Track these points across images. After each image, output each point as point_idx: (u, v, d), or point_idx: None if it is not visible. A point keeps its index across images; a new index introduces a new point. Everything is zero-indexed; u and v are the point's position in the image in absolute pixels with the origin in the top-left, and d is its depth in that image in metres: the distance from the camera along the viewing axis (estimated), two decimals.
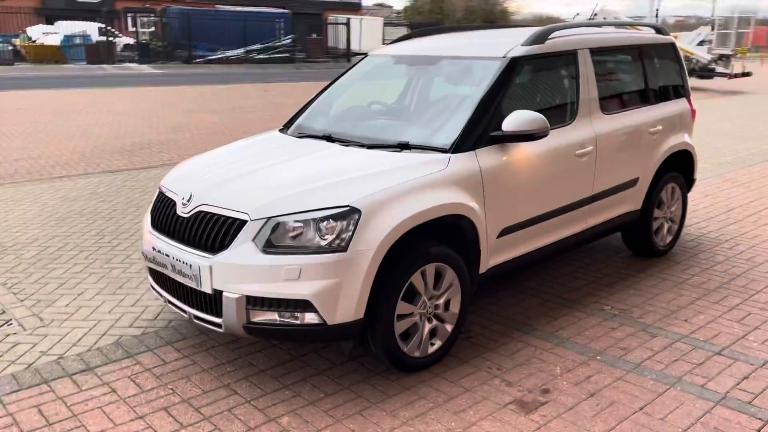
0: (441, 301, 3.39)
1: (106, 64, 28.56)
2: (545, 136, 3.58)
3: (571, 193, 4.08)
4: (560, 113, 4.08)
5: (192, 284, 3.16)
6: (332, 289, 2.95)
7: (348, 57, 35.67)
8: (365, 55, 4.82)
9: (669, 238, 5.10)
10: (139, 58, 30.07)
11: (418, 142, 3.56)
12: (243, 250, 3.02)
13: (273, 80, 23.27)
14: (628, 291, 4.41)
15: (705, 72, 19.45)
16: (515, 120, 3.51)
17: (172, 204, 3.44)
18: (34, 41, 29.21)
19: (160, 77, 24.33)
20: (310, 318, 2.99)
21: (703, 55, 19.65)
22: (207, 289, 3.09)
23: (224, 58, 30.83)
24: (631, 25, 5.44)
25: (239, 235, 3.04)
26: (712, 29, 21.15)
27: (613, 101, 4.49)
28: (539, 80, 4.15)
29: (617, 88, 4.71)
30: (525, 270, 4.41)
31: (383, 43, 41.02)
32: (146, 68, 28.07)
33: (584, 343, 3.67)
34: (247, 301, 3.01)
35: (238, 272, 3.00)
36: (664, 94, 4.94)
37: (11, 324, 3.88)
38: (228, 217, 3.11)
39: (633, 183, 4.58)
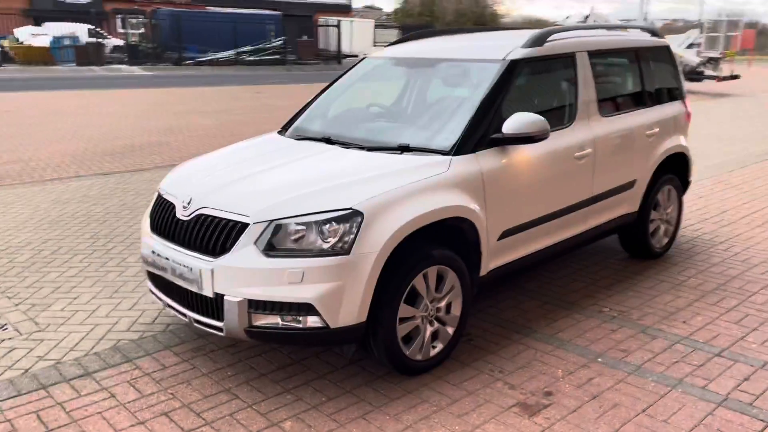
0: (442, 304, 3.38)
1: (95, 65, 28.36)
2: (545, 138, 3.58)
3: (571, 195, 4.09)
4: (559, 116, 4.09)
5: (193, 288, 3.13)
6: (335, 293, 2.93)
7: (339, 59, 35.65)
8: (364, 57, 4.81)
9: (665, 240, 5.12)
10: (128, 59, 29.88)
11: (418, 145, 3.55)
12: (245, 253, 2.99)
13: (264, 82, 23.20)
14: (626, 293, 4.42)
15: (694, 75, 19.60)
16: (516, 122, 3.51)
17: (171, 207, 3.41)
18: (22, 43, 28.97)
19: (150, 79, 24.21)
20: (312, 321, 2.97)
21: (692, 58, 19.80)
22: (208, 292, 3.06)
23: (214, 60, 30.71)
24: (627, 28, 5.47)
25: (241, 239, 3.02)
26: (701, 32, 21.34)
27: (610, 104, 4.50)
28: (538, 83, 4.16)
29: (615, 90, 4.73)
30: (524, 272, 4.41)
31: (374, 45, 41.18)
32: (136, 70, 27.93)
33: (584, 345, 3.67)
34: (249, 305, 2.99)
35: (240, 275, 2.98)
36: (660, 97, 4.96)
37: (6, 329, 3.83)
38: (229, 220, 3.08)
39: (630, 185, 4.59)
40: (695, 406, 3.07)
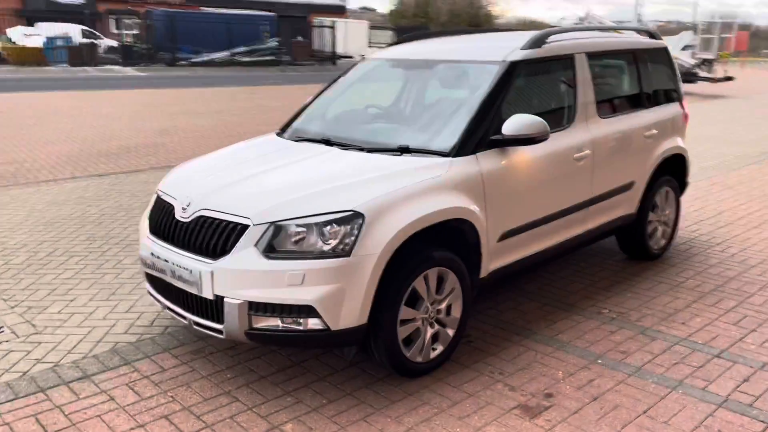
0: (443, 305, 3.37)
1: (88, 66, 28.26)
2: (545, 139, 3.58)
3: (570, 196, 4.09)
4: (558, 117, 4.09)
5: (192, 290, 3.11)
6: (336, 295, 2.92)
7: (333, 60, 35.63)
8: (362, 58, 4.80)
9: (663, 242, 5.13)
10: (122, 60, 29.79)
11: (418, 146, 3.55)
12: (245, 255, 2.98)
13: (258, 83, 23.15)
14: (624, 294, 4.43)
15: (688, 76, 19.67)
16: (515, 124, 3.51)
17: (170, 209, 3.39)
18: (15, 43, 28.83)
19: (144, 80, 24.13)
20: (313, 324, 2.96)
21: (686, 59, 19.88)
22: (208, 294, 3.04)
23: (209, 61, 30.65)
24: (625, 30, 5.48)
25: (241, 240, 3.00)
26: (695, 34, 21.44)
27: (609, 105, 4.51)
28: (537, 84, 4.16)
29: (613, 92, 4.74)
30: (524, 274, 4.41)
31: (368, 47, 41.17)
32: (129, 71, 27.83)
33: (584, 347, 3.67)
34: (249, 307, 2.97)
35: (241, 278, 2.97)
36: (658, 98, 4.97)
37: (3, 331, 3.80)
38: (229, 222, 3.07)
39: (629, 186, 4.60)
40: (696, 407, 3.08)
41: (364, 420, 2.97)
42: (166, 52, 30.06)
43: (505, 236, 3.66)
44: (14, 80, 22.49)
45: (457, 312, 3.44)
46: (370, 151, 3.60)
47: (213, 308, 3.09)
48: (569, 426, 2.93)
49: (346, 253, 2.94)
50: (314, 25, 36.82)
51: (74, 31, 29.17)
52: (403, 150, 3.53)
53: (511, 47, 3.93)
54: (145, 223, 3.61)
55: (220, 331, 3.09)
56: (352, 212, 2.99)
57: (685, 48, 20.27)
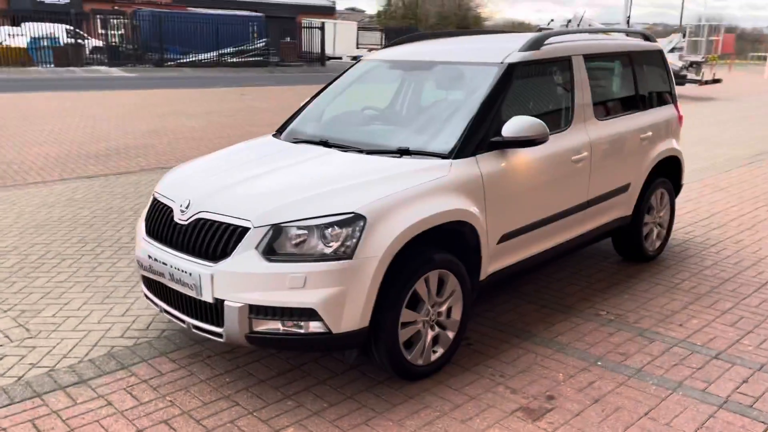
0: (443, 308, 3.36)
1: (74, 66, 27.97)
2: (545, 141, 3.58)
3: (568, 198, 4.09)
4: (556, 119, 4.09)
5: (191, 293, 3.08)
6: (338, 297, 2.90)
7: (322, 61, 35.56)
8: (359, 59, 4.78)
9: (658, 243, 5.15)
10: (108, 60, 29.52)
11: (418, 148, 3.53)
12: (245, 257, 2.95)
13: (247, 84, 23.05)
14: (622, 296, 4.44)
15: (677, 78, 19.81)
16: (515, 126, 3.51)
17: (168, 211, 3.35)
18: (0, 43, 28.48)
19: (131, 80, 23.95)
20: (314, 327, 2.94)
21: (674, 62, 20.03)
22: (208, 298, 3.01)
23: (196, 62, 30.47)
24: (625, 32, 5.51)
25: (241, 243, 2.97)
26: (684, 37, 21.61)
27: (606, 107, 4.52)
28: (536, 86, 4.16)
29: (610, 94, 4.75)
30: (522, 276, 4.40)
31: (357, 48, 41.09)
32: (116, 71, 27.60)
33: (584, 349, 3.67)
34: (250, 310, 2.95)
35: (241, 280, 2.93)
36: (653, 100, 5.00)
37: None
38: (229, 225, 3.04)
39: (625, 188, 4.62)
40: (696, 408, 3.08)
41: (366, 424, 2.95)
42: (154, 52, 29.83)
43: (504, 238, 3.65)
44: None
45: (457, 314, 3.42)
46: (369, 152, 3.58)
47: (212, 311, 3.06)
48: (571, 428, 2.92)
49: (348, 256, 2.92)
50: (303, 26, 36.71)
51: (59, 32, 28.86)
52: (403, 152, 3.52)
53: (509, 49, 3.93)
54: (141, 225, 3.56)
55: (219, 335, 3.06)
56: (353, 214, 2.96)
57: (672, 50, 20.43)
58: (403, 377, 3.26)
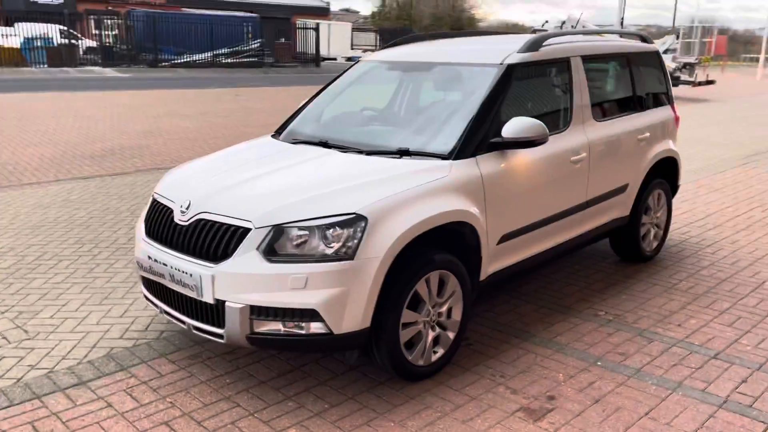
0: (444, 308, 3.36)
1: (68, 67, 27.88)
2: (545, 142, 3.59)
3: (567, 199, 4.11)
4: (555, 120, 4.10)
5: (192, 294, 3.07)
6: (339, 298, 2.90)
7: (317, 62, 35.53)
8: (358, 60, 4.78)
9: (655, 244, 5.17)
10: (102, 61, 29.43)
11: (418, 149, 3.54)
12: (247, 258, 2.94)
13: (241, 84, 23.02)
14: (620, 296, 4.45)
15: (671, 80, 19.90)
16: (515, 126, 3.51)
17: (168, 212, 3.34)
18: None
19: (125, 81, 23.87)
20: (316, 327, 2.93)
21: (668, 63, 20.11)
22: (209, 299, 3.00)
23: (191, 62, 30.40)
24: (611, 33, 5.53)
25: (243, 244, 2.97)
26: (677, 38, 21.71)
27: (603, 108, 4.54)
28: (535, 87, 4.17)
29: (608, 95, 4.77)
30: (522, 277, 4.41)
31: (351, 49, 41.04)
32: (110, 71, 27.51)
33: (583, 349, 3.68)
34: (251, 311, 2.94)
35: (242, 281, 2.93)
36: (650, 102, 5.02)
37: None
38: (230, 225, 3.03)
39: (623, 189, 4.63)
40: (697, 408, 3.10)
41: (368, 424, 2.95)
42: (148, 53, 29.75)
43: (504, 239, 3.66)
44: None
45: (457, 315, 3.43)
46: (369, 153, 3.58)
47: (213, 312, 3.05)
48: (573, 428, 2.93)
49: (350, 257, 2.91)
50: (298, 27, 36.68)
51: (53, 32, 28.75)
52: (403, 153, 3.52)
53: (508, 50, 3.94)
54: (141, 226, 3.55)
55: (220, 336, 3.05)
56: (354, 215, 2.96)
57: (666, 52, 20.52)
58: (404, 378, 3.26)
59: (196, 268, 3.04)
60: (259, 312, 2.94)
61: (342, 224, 2.94)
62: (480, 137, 3.54)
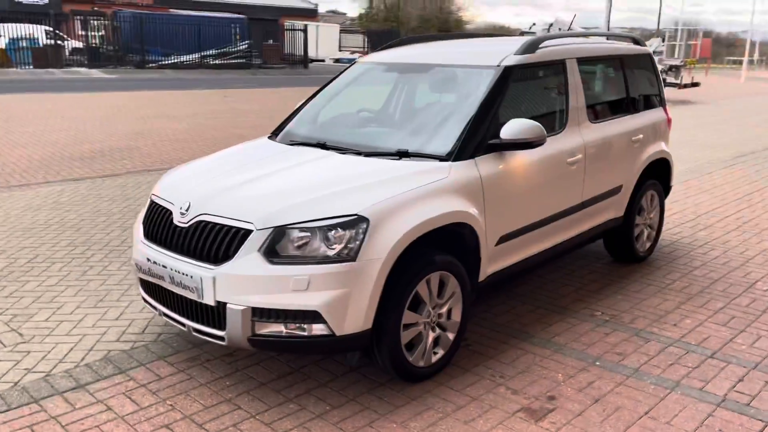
0: (444, 309, 3.37)
1: (54, 68, 27.62)
2: (542, 144, 3.61)
3: (563, 200, 4.13)
4: (552, 121, 4.13)
5: (193, 296, 3.05)
6: (342, 300, 2.90)
7: (305, 63, 35.48)
8: (354, 61, 4.78)
9: (648, 244, 5.22)
10: (88, 62, 29.20)
11: (417, 150, 3.54)
12: (248, 260, 2.93)
13: (230, 86, 22.93)
14: (615, 296, 4.48)
15: None
16: (513, 128, 3.53)
17: (167, 213, 3.32)
18: None
19: (112, 82, 23.71)
20: (318, 329, 2.93)
21: None
22: (209, 301, 2.99)
23: (178, 63, 30.24)
24: (607, 36, 5.57)
25: (244, 245, 2.96)
26: (663, 41, 21.91)
27: (598, 110, 4.57)
28: (531, 89, 4.20)
29: (602, 97, 4.81)
30: (520, 277, 4.43)
31: (339, 50, 40.97)
32: (96, 72, 27.30)
33: (581, 349, 3.70)
34: (253, 313, 2.93)
35: (244, 283, 2.92)
36: (644, 103, 5.06)
37: None
38: (231, 227, 3.02)
39: (617, 190, 4.67)
40: (695, 407, 3.12)
41: (370, 426, 2.95)
42: (135, 54, 29.55)
43: (502, 240, 3.67)
44: None
45: (457, 316, 3.44)
46: (368, 155, 3.58)
47: (214, 314, 3.04)
48: (574, 428, 2.94)
49: (351, 258, 2.91)
50: (286, 29, 36.60)
51: (38, 32, 28.48)
52: (402, 154, 3.52)
53: (505, 52, 3.95)
54: (139, 229, 3.53)
55: (221, 338, 3.04)
56: (356, 216, 2.96)
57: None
58: (404, 379, 3.27)
59: (196, 270, 3.02)
60: (260, 314, 2.93)
61: (344, 225, 2.94)
62: (478, 139, 3.56)
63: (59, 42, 28.88)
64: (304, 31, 35.64)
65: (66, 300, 4.26)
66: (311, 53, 36.70)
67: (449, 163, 3.43)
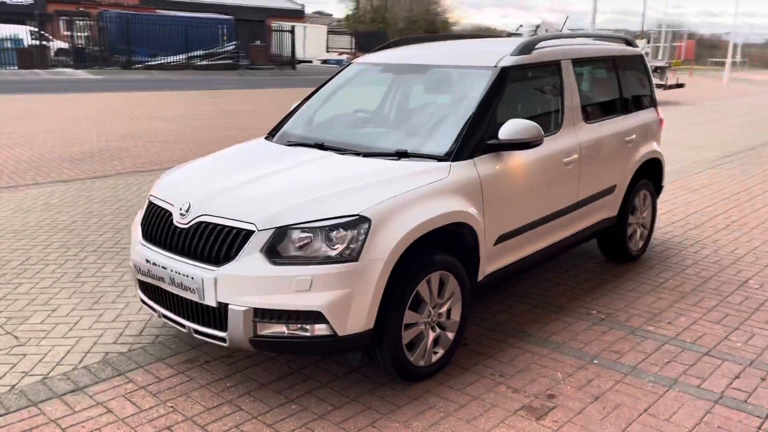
0: (444, 309, 3.38)
1: (39, 69, 27.37)
2: (540, 144, 3.64)
3: (559, 200, 4.16)
4: (548, 122, 4.16)
5: (193, 297, 3.04)
6: (344, 300, 2.90)
7: (293, 64, 35.40)
8: (350, 62, 4.78)
9: (641, 243, 5.26)
10: (74, 63, 28.95)
11: (416, 151, 3.55)
12: (250, 261, 2.93)
13: (217, 87, 22.84)
14: (610, 295, 4.52)
15: None
16: (511, 128, 3.55)
17: (166, 214, 3.30)
18: None
19: (98, 83, 23.54)
20: (320, 329, 2.93)
21: None
22: (211, 302, 2.98)
23: (165, 64, 30.07)
24: (599, 37, 5.61)
25: (246, 246, 2.95)
26: (648, 42, 22.10)
27: (593, 110, 4.61)
28: (527, 89, 4.22)
29: (596, 97, 4.85)
30: (517, 276, 4.45)
31: (326, 51, 40.90)
32: (82, 73, 27.09)
33: (579, 348, 3.73)
34: (255, 314, 2.92)
35: (246, 284, 2.91)
36: (636, 104, 5.11)
37: None
38: (232, 228, 3.01)
39: (611, 190, 4.71)
40: (694, 404, 3.16)
41: (372, 426, 2.95)
42: (121, 54, 29.34)
43: (500, 239, 3.69)
44: None
45: (456, 315, 3.45)
46: (367, 155, 3.59)
47: (214, 316, 3.03)
48: (575, 426, 2.97)
49: (353, 258, 2.92)
50: (273, 29, 36.50)
51: (23, 33, 28.19)
52: (401, 154, 3.53)
53: (501, 53, 3.98)
54: (137, 230, 3.51)
55: (222, 339, 3.03)
56: (358, 217, 2.97)
57: None
58: (405, 379, 3.27)
59: (197, 271, 3.01)
60: (262, 314, 2.93)
61: (346, 226, 2.95)
62: (477, 139, 3.58)
63: (44, 42, 28.62)
64: (292, 32, 35.59)
65: (61, 302, 4.23)
66: (299, 54, 36.64)
67: (448, 163, 3.44)
